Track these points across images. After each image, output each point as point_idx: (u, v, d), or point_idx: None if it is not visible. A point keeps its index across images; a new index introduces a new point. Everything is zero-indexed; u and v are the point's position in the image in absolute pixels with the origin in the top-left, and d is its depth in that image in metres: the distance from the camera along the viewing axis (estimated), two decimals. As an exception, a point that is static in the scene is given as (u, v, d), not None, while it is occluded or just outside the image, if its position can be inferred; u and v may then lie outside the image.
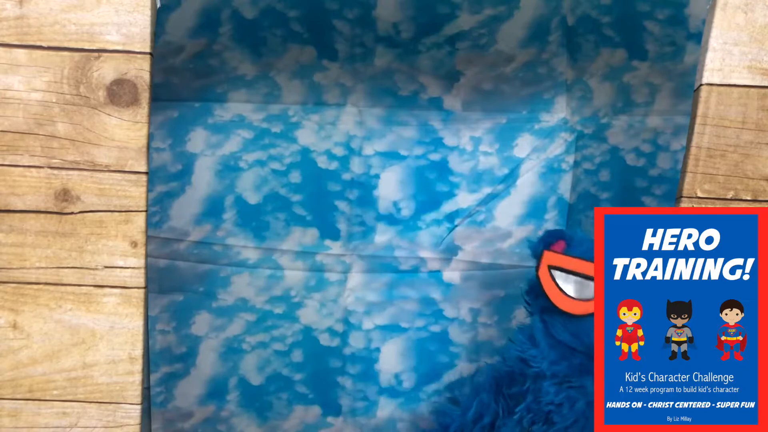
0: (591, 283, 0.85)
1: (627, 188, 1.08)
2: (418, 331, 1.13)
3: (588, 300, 0.85)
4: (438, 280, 1.13)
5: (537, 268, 0.89)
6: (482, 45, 1.09)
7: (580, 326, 0.86)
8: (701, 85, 0.73)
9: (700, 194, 0.74)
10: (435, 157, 1.13)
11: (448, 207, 1.13)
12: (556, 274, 0.88)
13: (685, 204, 0.74)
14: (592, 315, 0.84)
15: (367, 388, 1.13)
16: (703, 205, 0.75)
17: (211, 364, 1.12)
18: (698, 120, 0.74)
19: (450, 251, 1.14)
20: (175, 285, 1.08)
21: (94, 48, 0.65)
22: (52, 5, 0.65)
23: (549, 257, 0.88)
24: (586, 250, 0.89)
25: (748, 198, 0.74)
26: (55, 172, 0.66)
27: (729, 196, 0.74)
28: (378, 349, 1.14)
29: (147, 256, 0.68)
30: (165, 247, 1.05)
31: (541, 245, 0.90)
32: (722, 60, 0.72)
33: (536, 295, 0.92)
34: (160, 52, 1.03)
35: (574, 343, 0.86)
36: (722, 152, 0.74)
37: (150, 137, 0.85)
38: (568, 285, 0.87)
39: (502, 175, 1.11)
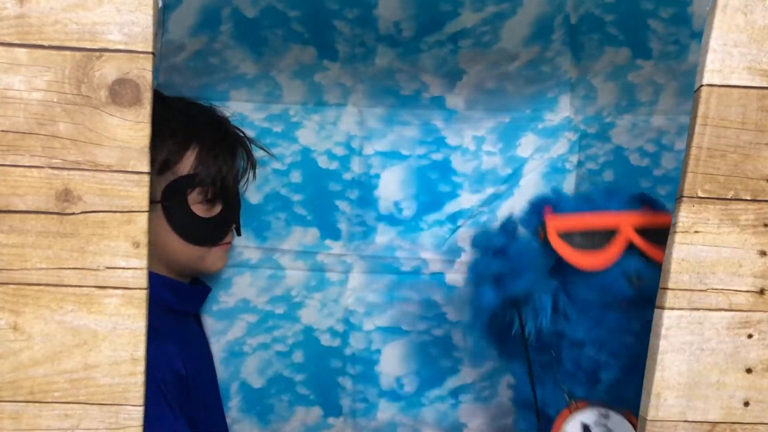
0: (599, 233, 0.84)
1: (631, 188, 1.08)
2: (420, 335, 1.12)
3: (601, 249, 0.84)
4: (440, 282, 1.12)
5: (542, 238, 0.86)
6: (485, 43, 1.07)
7: (603, 280, 0.84)
8: (701, 85, 0.73)
9: (700, 194, 0.74)
10: (437, 156, 1.11)
11: (450, 207, 1.12)
12: (570, 238, 0.85)
13: (686, 203, 0.74)
14: (613, 266, 0.83)
15: (367, 389, 1.12)
16: (704, 205, 0.75)
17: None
18: (699, 120, 0.74)
19: (453, 253, 1.13)
20: None
21: (96, 47, 0.65)
22: (53, 4, 0.64)
23: (554, 223, 0.86)
24: (573, 207, 0.87)
25: (748, 198, 0.74)
26: (57, 172, 0.66)
27: (729, 196, 0.75)
28: (378, 351, 1.13)
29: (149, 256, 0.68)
30: None
31: (535, 217, 0.88)
32: (722, 61, 0.72)
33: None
34: (162, 51, 1.03)
35: (605, 297, 0.85)
36: (722, 152, 0.74)
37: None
38: (585, 241, 0.85)
39: (505, 175, 1.10)
